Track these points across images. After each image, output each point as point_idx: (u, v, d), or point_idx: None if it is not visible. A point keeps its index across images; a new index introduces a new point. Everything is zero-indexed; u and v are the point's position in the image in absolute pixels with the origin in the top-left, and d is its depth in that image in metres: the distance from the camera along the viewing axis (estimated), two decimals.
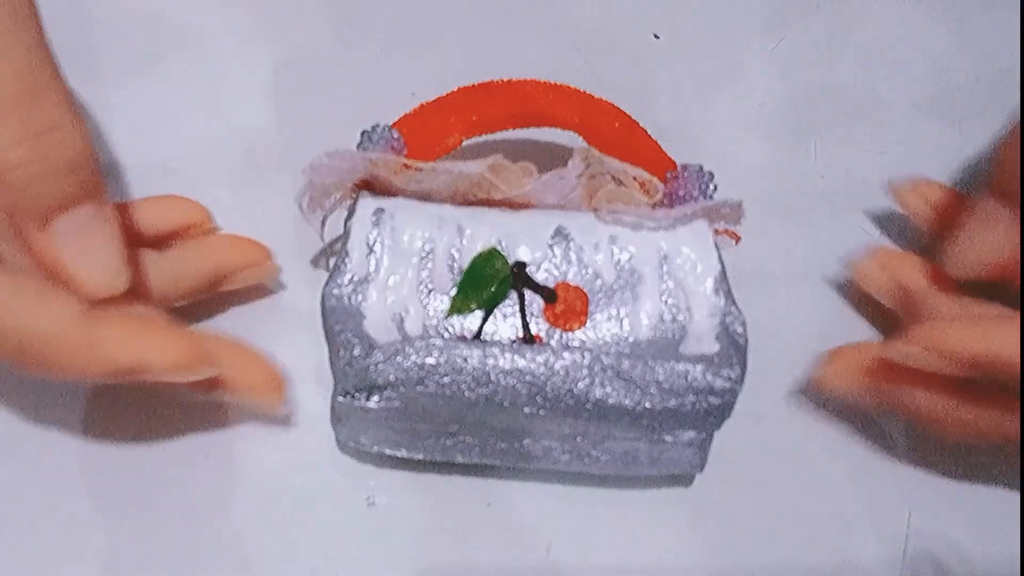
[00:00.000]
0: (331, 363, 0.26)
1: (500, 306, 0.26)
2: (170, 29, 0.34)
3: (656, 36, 0.36)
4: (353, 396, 0.26)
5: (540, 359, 0.25)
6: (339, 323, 0.26)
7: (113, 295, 0.24)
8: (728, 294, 0.27)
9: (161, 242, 0.28)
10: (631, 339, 0.26)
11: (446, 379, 0.25)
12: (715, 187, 0.28)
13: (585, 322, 0.26)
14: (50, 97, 0.23)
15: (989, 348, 0.25)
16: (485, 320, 0.26)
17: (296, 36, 0.35)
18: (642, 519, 0.28)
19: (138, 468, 0.27)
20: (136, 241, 0.27)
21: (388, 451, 0.27)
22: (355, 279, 0.26)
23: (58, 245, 0.23)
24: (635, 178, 0.28)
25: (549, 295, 0.26)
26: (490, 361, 0.25)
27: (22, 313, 0.23)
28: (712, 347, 0.26)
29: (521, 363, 0.25)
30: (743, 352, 0.26)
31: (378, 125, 0.28)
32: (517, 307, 0.26)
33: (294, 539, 0.27)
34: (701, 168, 0.28)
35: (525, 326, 0.26)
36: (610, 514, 0.28)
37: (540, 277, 0.27)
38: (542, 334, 0.26)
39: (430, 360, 0.25)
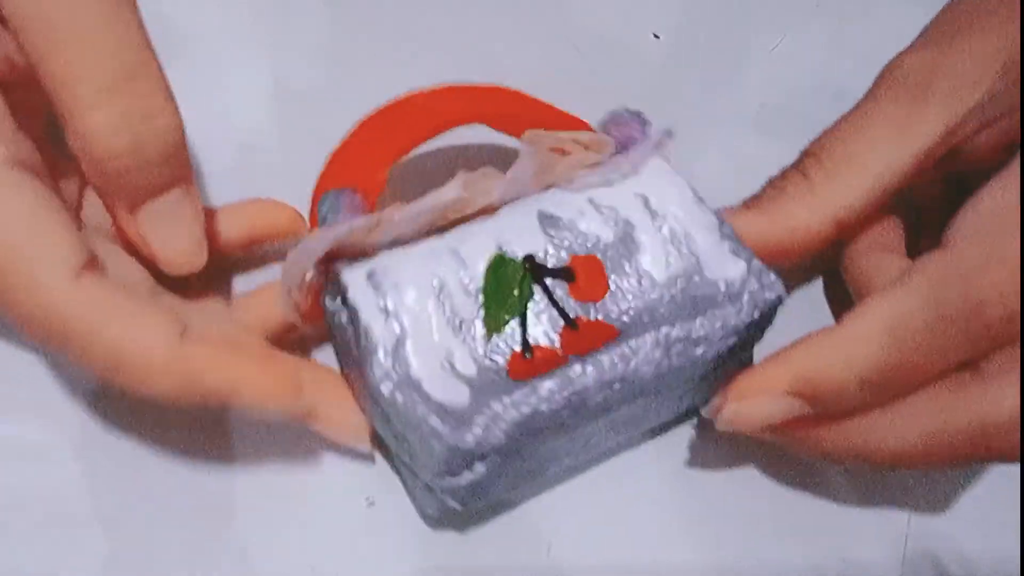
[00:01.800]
0: (409, 453, 0.25)
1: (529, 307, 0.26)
2: (170, 29, 0.34)
3: (656, 36, 0.36)
4: (453, 475, 0.25)
5: (616, 356, 0.25)
6: (409, 404, 0.24)
7: (192, 271, 0.25)
8: (712, 210, 0.27)
9: (248, 246, 0.29)
10: (660, 288, 0.26)
11: (558, 412, 0.25)
12: (647, 122, 0.28)
13: (608, 286, 0.26)
14: (149, 82, 0.23)
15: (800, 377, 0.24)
16: (524, 326, 0.26)
17: (296, 36, 0.35)
18: (642, 519, 0.28)
19: (138, 468, 0.27)
20: (225, 249, 0.28)
21: (484, 504, 0.27)
22: (389, 351, 0.25)
23: (145, 226, 0.24)
24: (579, 141, 0.27)
25: (568, 274, 0.26)
26: (580, 381, 0.25)
27: (118, 331, 0.23)
28: (736, 262, 0.27)
29: (607, 365, 0.25)
30: (751, 253, 0.27)
31: (328, 194, 0.26)
32: (544, 302, 0.26)
33: (294, 538, 0.27)
34: (628, 110, 0.28)
35: (563, 313, 0.26)
36: (610, 514, 0.28)
37: (550, 263, 0.27)
38: (581, 314, 0.26)
39: (537, 408, 0.24)
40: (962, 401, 0.24)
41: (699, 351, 0.26)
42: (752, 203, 0.29)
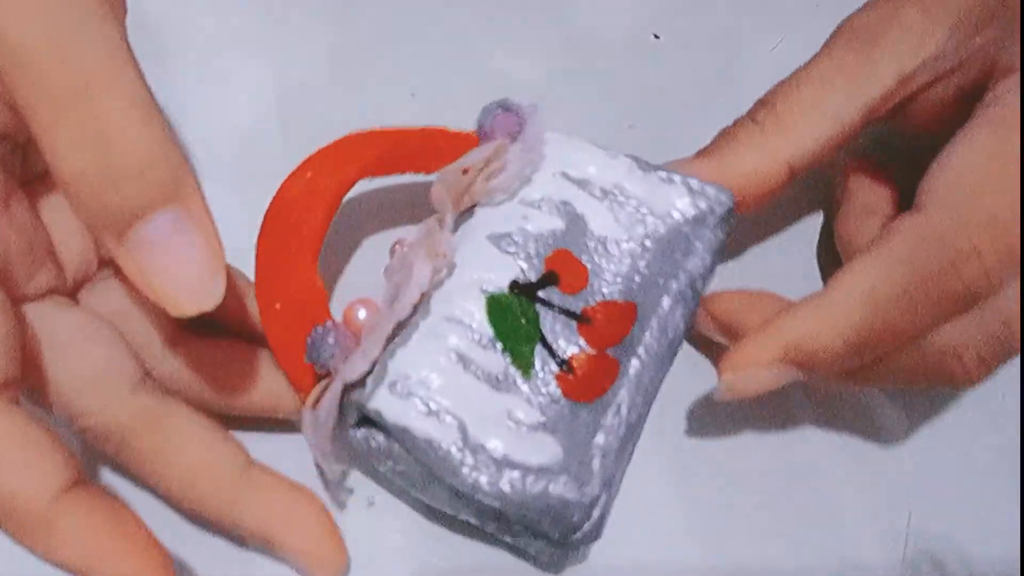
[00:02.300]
0: (526, 531, 0.25)
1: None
2: (170, 29, 0.34)
3: (656, 36, 0.36)
4: (585, 522, 0.24)
5: (653, 335, 0.26)
6: (518, 487, 0.23)
7: (203, 311, 0.21)
8: (622, 153, 0.28)
9: None
10: (627, 244, 0.27)
11: (641, 415, 0.25)
12: (516, 105, 0.28)
13: (587, 268, 0.27)
14: (110, 95, 0.20)
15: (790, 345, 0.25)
16: (548, 345, 0.26)
17: (296, 36, 0.35)
18: (643, 518, 0.28)
19: None
20: None
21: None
22: (461, 446, 0.24)
23: (138, 256, 0.21)
24: (478, 158, 0.27)
25: (552, 278, 0.26)
26: (641, 373, 0.25)
27: (188, 469, 0.24)
28: (673, 187, 0.27)
29: (654, 345, 0.26)
30: (676, 172, 0.28)
31: (317, 330, 0.24)
32: (550, 314, 0.26)
33: None
34: (496, 106, 0.28)
35: (571, 314, 0.26)
36: (611, 513, 0.28)
37: (532, 277, 0.27)
38: (584, 307, 0.26)
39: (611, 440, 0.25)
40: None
41: (700, 285, 0.27)
42: (703, 152, 0.29)
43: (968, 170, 0.25)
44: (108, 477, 0.27)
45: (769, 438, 0.29)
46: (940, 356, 0.25)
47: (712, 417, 0.29)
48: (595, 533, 0.25)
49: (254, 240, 0.27)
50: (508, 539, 0.26)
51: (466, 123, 0.28)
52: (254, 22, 0.34)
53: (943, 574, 0.28)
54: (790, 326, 0.25)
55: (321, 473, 0.27)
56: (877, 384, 0.28)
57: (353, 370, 0.24)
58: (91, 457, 0.27)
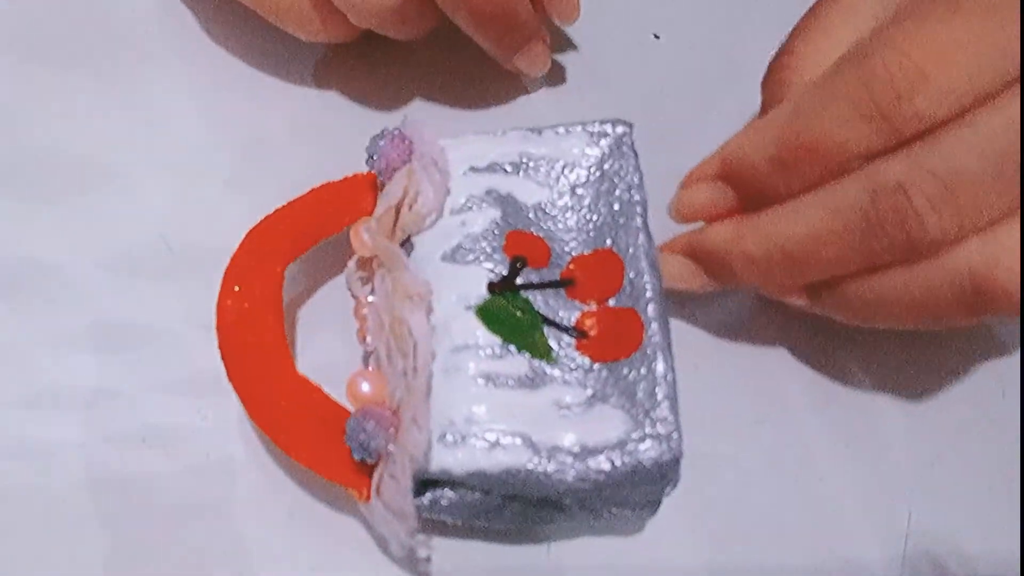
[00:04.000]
0: (616, 505, 0.25)
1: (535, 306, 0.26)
2: (170, 29, 0.35)
3: (656, 36, 0.36)
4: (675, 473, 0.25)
5: (644, 268, 0.26)
6: (615, 466, 0.24)
7: None
8: (508, 128, 0.29)
9: None
10: (569, 200, 0.28)
11: (670, 340, 0.26)
12: (398, 130, 0.28)
13: (541, 238, 0.27)
14: None
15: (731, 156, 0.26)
16: (554, 322, 0.26)
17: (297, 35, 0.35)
18: None
19: (139, 468, 0.27)
20: None
21: None
22: (544, 456, 0.23)
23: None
24: (393, 196, 0.27)
25: (520, 261, 0.27)
26: (653, 308, 0.26)
27: None
28: (574, 135, 0.28)
29: (651, 278, 0.26)
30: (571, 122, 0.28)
31: (351, 423, 0.24)
32: (538, 294, 0.26)
33: (294, 539, 0.27)
34: (378, 137, 0.28)
35: (555, 283, 0.26)
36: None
37: (504, 270, 0.26)
38: (562, 272, 0.27)
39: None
40: (854, 182, 0.25)
41: (646, 214, 0.27)
42: None
43: None
44: (110, 478, 0.27)
45: (769, 437, 0.29)
46: (891, 201, 0.24)
47: (711, 417, 0.29)
48: (678, 477, 0.25)
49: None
50: (588, 525, 0.27)
51: None
52: (254, 21, 0.34)
53: (943, 574, 0.28)
54: (726, 145, 0.27)
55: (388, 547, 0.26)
56: (837, 311, 0.27)
57: (415, 444, 0.23)
58: (90, 460, 0.27)
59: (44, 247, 0.30)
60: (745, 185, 0.27)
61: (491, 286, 0.26)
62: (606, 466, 0.23)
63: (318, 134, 0.32)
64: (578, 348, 0.25)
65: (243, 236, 0.27)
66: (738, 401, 0.29)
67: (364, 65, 0.34)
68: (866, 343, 0.30)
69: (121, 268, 0.30)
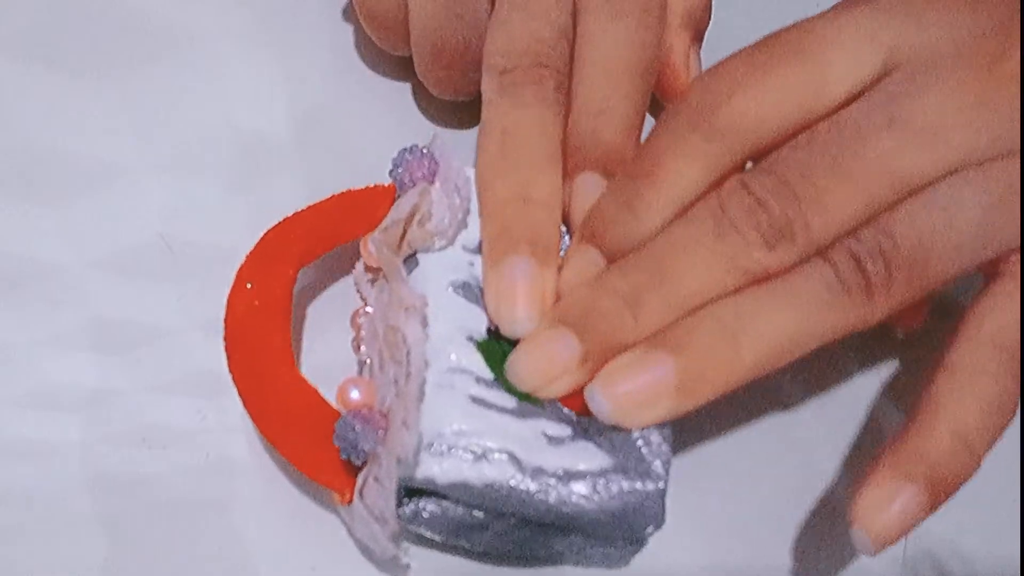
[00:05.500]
0: (605, 539, 0.25)
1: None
2: (171, 29, 0.34)
3: None
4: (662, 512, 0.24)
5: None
6: (602, 495, 0.23)
7: None
8: None
9: None
10: None
11: None
12: (420, 148, 0.28)
13: None
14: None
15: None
16: None
17: (298, 35, 0.35)
18: None
19: (139, 468, 0.27)
20: None
21: None
22: (517, 477, 0.23)
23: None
24: (405, 209, 0.27)
25: None
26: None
27: None
28: None
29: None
30: None
31: (340, 423, 0.24)
32: None
33: (294, 539, 0.27)
34: (405, 152, 0.28)
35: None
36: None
37: None
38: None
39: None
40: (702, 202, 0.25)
41: None
42: None
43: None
44: (110, 478, 0.27)
45: (769, 438, 0.29)
46: None
47: (711, 418, 0.29)
48: (663, 519, 0.24)
49: (254, 240, 0.28)
50: (572, 556, 0.26)
51: None
52: (254, 21, 0.34)
53: (943, 574, 0.28)
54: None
55: (370, 553, 0.26)
56: None
57: (403, 445, 0.23)
58: (90, 460, 0.27)
59: (44, 247, 0.30)
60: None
61: (489, 331, 0.26)
62: (586, 491, 0.23)
63: (319, 137, 0.32)
64: (562, 402, 0.25)
65: (258, 236, 0.27)
66: (737, 401, 0.29)
67: (369, 76, 0.34)
68: (866, 343, 0.30)
69: (121, 268, 0.30)
